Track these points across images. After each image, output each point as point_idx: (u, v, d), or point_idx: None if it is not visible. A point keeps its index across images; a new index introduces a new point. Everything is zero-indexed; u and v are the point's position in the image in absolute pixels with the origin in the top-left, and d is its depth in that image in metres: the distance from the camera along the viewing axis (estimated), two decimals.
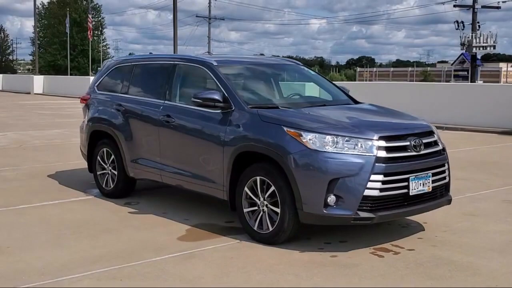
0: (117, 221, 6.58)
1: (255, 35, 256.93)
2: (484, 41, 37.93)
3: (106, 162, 7.71)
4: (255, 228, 5.65)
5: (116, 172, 7.53)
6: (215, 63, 6.50)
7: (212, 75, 6.37)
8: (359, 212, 5.14)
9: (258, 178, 5.59)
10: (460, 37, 38.69)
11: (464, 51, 39.39)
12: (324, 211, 5.15)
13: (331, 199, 5.14)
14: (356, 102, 6.87)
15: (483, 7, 38.14)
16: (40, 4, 72.71)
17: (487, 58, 69.03)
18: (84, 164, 8.70)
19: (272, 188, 5.46)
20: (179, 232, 6.14)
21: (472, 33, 37.71)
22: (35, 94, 40.33)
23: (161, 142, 6.76)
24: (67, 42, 57.76)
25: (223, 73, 6.33)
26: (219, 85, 6.21)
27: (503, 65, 67.60)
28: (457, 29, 38.70)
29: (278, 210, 5.43)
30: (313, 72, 7.51)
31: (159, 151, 6.81)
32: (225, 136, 5.90)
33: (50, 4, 74.78)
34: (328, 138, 5.23)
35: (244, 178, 5.72)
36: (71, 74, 56.35)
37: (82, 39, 68.61)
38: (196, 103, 6.09)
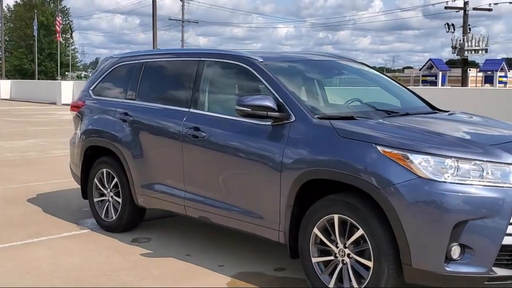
0: (130, 268, 4.95)
1: (223, 40, 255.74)
2: (476, 45, 37.04)
3: (107, 186, 6.05)
4: (332, 286, 4.08)
5: (120, 200, 5.89)
6: (260, 59, 4.92)
7: (259, 75, 4.79)
8: (496, 269, 3.61)
9: (336, 216, 4.04)
10: (452, 40, 37.75)
11: (455, 54, 38.42)
12: (446, 268, 3.61)
13: (456, 250, 3.61)
14: (440, 110, 5.35)
15: (474, 9, 37.25)
16: (6, 7, 70.18)
17: (453, 63, 68.99)
18: (71, 184, 7.17)
19: (359, 231, 3.91)
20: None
21: (463, 35, 36.70)
22: (2, 99, 38.10)
23: (185, 163, 5.14)
24: (34, 46, 55.62)
25: (274, 73, 4.74)
26: (271, 88, 4.64)
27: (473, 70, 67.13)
28: (447, 31, 37.78)
29: (369, 263, 3.89)
30: (376, 72, 5.97)
31: (183, 175, 5.19)
32: (282, 158, 4.33)
33: (16, 7, 72.35)
34: (448, 162, 3.69)
35: (312, 216, 4.17)
36: (38, 79, 54.03)
37: (49, 43, 66.34)
38: (242, 112, 4.49)
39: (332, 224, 4.09)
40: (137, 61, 6.06)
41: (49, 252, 5.39)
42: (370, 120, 4.42)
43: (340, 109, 5.03)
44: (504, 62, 59.65)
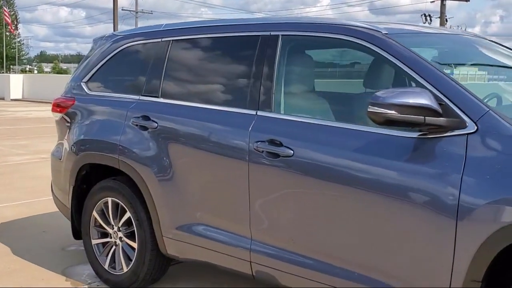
0: None
1: None
2: None
3: (113, 223, 4.11)
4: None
5: (135, 245, 3.94)
6: (384, 31, 3.06)
7: (391, 56, 2.95)
8: None
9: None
10: None
11: None
12: None
13: None
14: None
15: None
16: None
17: None
18: (44, 205, 5.70)
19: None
20: None
21: (440, 26, 35.58)
22: None
23: (253, 194, 3.26)
24: None
25: (418, 54, 2.91)
26: (420, 78, 2.80)
27: None
28: (424, 23, 36.44)
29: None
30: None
31: (248, 214, 3.30)
32: (459, 195, 2.49)
33: None
34: None
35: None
36: None
37: None
38: (381, 117, 2.62)
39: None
40: (158, 40, 4.10)
41: None
42: None
43: None
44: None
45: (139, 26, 46.18)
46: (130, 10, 62.78)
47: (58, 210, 4.79)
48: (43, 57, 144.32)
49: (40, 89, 28.05)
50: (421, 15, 36.69)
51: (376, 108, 2.62)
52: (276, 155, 3.12)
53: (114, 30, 27.83)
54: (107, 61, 4.39)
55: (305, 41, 3.46)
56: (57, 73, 74.71)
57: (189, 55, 3.95)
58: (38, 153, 10.39)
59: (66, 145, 4.46)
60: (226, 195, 3.45)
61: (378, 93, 2.66)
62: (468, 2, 34.37)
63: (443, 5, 33.80)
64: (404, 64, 2.88)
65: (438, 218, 2.58)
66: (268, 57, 3.35)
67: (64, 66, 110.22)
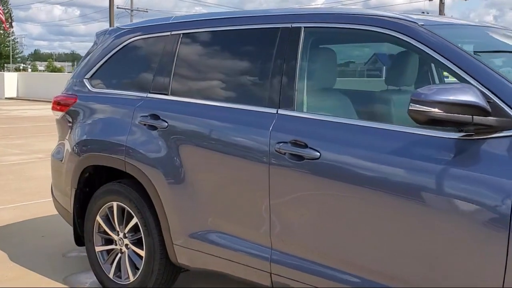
0: None
1: None
2: None
3: (118, 229, 3.84)
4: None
5: (142, 253, 3.67)
6: (420, 22, 2.80)
7: (429, 49, 2.68)
8: None
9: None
10: None
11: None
12: None
13: None
14: None
15: None
16: None
17: None
18: (41, 208, 5.61)
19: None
20: None
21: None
22: None
23: (274, 200, 3.00)
24: None
25: (458, 47, 2.66)
26: (464, 73, 2.54)
27: None
28: None
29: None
30: None
31: (268, 221, 3.04)
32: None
33: None
34: None
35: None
36: None
37: None
38: (424, 116, 2.36)
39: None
40: (166, 33, 3.82)
41: None
42: None
43: None
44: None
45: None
46: (125, 9, 62.40)
47: (57, 213, 4.52)
48: (37, 56, 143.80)
49: (35, 87, 27.68)
50: (422, 13, 36.37)
51: (419, 106, 2.36)
52: (300, 158, 2.86)
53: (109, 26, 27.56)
54: (111, 56, 4.12)
55: (331, 33, 3.20)
56: (51, 71, 74.39)
57: (201, 50, 3.69)
58: (34, 153, 10.10)
59: (67, 146, 4.19)
60: (243, 200, 3.18)
61: (421, 90, 2.40)
62: (466, 1, 34.18)
63: (441, 3, 33.53)
64: (445, 58, 2.62)
65: (488, 228, 2.32)
66: (290, 52, 3.09)
67: (58, 64, 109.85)
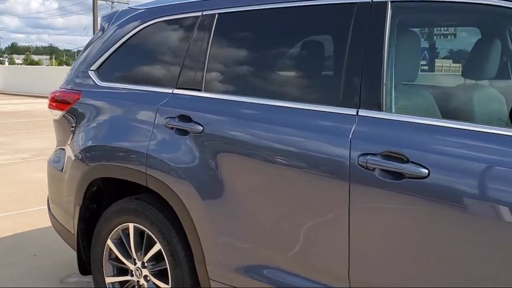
0: None
1: None
2: None
3: (135, 256, 3.10)
4: None
5: (169, 287, 2.93)
6: None
7: None
8: None
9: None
10: None
11: None
12: None
13: None
14: None
15: None
16: None
17: None
18: (31, 218, 4.96)
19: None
20: None
21: None
22: None
23: (356, 228, 2.28)
24: None
25: None
26: None
27: None
28: None
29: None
30: None
31: (347, 256, 2.32)
32: None
33: None
34: None
35: None
36: None
37: None
38: None
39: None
40: (197, 13, 3.06)
41: None
42: None
43: None
44: (425, 52, 58.94)
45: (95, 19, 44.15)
46: (105, 1, 61.17)
47: (50, 224, 3.79)
48: (14, 49, 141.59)
49: (17, 81, 26.61)
50: None
51: None
52: (399, 175, 2.14)
53: (93, 21, 26.53)
54: (124, 43, 3.36)
55: (429, 10, 2.47)
56: (29, 64, 72.95)
57: (245, 34, 2.94)
58: (17, 152, 9.28)
59: (69, 152, 3.43)
60: (310, 227, 2.45)
61: None
62: None
63: None
64: None
65: None
66: (372, 34, 2.36)
67: (36, 58, 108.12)
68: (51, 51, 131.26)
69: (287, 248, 2.52)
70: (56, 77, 23.97)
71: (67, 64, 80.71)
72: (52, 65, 79.77)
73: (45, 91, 23.24)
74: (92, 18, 27.75)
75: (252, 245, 2.63)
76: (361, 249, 2.28)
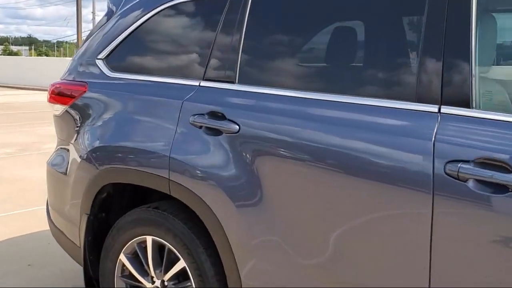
0: None
1: None
2: None
3: (154, 273, 2.67)
4: None
5: None
6: None
7: None
8: None
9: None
10: None
11: None
12: None
13: None
14: None
15: None
16: None
17: None
18: (28, 224, 4.49)
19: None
20: None
21: None
22: None
23: (439, 247, 1.90)
24: None
25: None
26: None
27: None
28: None
29: None
30: None
31: (428, 278, 1.91)
32: None
33: None
34: None
35: None
36: None
37: None
38: None
39: None
40: None
41: None
42: None
43: None
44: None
45: (96, 7, 42.81)
46: None
47: (42, 229, 3.36)
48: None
49: None
50: None
51: None
52: (502, 188, 1.74)
53: (77, 10, 25.82)
54: (138, 27, 2.92)
55: None
56: (8, 55, 71.74)
57: (291, 12, 2.50)
58: (2, 147, 8.76)
59: (74, 153, 2.99)
60: (379, 246, 2.05)
61: None
62: None
63: None
64: None
65: None
66: (453, 16, 1.95)
67: (14, 48, 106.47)
68: (30, 42, 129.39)
69: (345, 273, 2.12)
70: (37, 67, 23.31)
71: (46, 55, 79.54)
72: (31, 55, 78.55)
73: (27, 82, 22.55)
74: (75, 9, 27.00)
75: (297, 264, 2.22)
76: (444, 268, 1.89)
